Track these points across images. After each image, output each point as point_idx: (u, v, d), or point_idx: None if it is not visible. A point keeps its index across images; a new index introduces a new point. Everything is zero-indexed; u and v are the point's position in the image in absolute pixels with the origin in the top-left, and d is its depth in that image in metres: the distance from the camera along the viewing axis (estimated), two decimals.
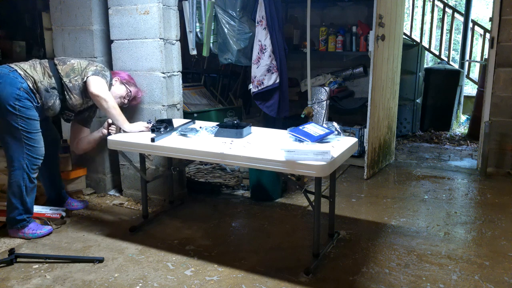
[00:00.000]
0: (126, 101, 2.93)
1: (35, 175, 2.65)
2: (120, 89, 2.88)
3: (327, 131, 2.43)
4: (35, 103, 2.59)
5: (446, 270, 2.30)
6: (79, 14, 3.17)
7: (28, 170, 2.60)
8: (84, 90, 2.70)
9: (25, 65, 2.62)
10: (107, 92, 2.68)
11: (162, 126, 2.62)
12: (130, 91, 2.93)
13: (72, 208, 3.09)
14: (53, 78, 2.64)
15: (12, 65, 2.60)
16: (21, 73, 2.56)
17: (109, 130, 2.85)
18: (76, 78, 2.68)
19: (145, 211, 2.90)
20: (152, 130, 2.62)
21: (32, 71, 2.60)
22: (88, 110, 2.90)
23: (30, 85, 2.56)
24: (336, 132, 2.47)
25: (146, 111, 3.10)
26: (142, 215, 2.92)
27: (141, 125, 2.75)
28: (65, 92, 2.69)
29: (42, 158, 2.67)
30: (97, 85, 2.65)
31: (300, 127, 2.45)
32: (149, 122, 2.74)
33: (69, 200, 3.12)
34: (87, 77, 2.66)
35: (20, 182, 2.60)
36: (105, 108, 2.66)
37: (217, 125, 2.66)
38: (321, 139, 2.35)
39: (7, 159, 2.63)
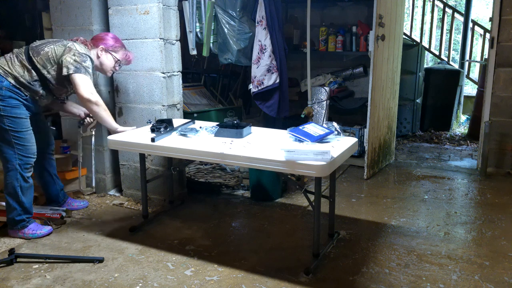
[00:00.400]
0: (118, 68, 2.82)
1: (29, 174, 2.64)
2: (108, 60, 2.74)
3: (327, 131, 2.43)
4: (23, 97, 2.54)
5: (446, 270, 2.30)
6: (79, 14, 3.17)
7: (21, 170, 2.58)
8: (65, 78, 2.58)
9: (2, 61, 2.55)
10: (95, 95, 2.58)
11: (162, 126, 2.62)
12: (118, 59, 2.78)
13: (72, 208, 3.09)
14: (32, 71, 2.56)
15: None
16: (0, 71, 2.51)
17: (86, 119, 2.87)
18: (54, 68, 2.58)
19: (145, 211, 2.90)
20: (152, 130, 2.62)
21: (11, 67, 2.53)
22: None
23: (13, 82, 2.50)
24: (336, 132, 2.47)
25: (146, 111, 3.10)
26: (142, 215, 2.92)
27: (129, 129, 2.75)
28: (47, 83, 2.61)
29: (35, 156, 2.65)
30: (85, 88, 2.54)
31: (300, 127, 2.45)
32: (149, 122, 2.74)
33: (69, 200, 3.12)
34: (70, 74, 2.53)
35: (14, 183, 2.59)
36: (95, 112, 2.60)
37: (217, 125, 2.66)
38: (321, 139, 2.35)
39: (1, 161, 2.62)
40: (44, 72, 2.57)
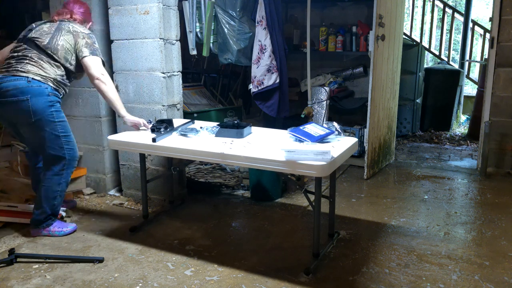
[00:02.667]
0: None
1: (70, 179, 2.68)
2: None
3: (327, 131, 2.43)
4: (59, 96, 2.58)
5: (446, 270, 2.30)
6: None
7: (66, 176, 2.63)
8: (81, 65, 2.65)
9: (34, 69, 2.51)
10: (106, 74, 2.63)
11: (162, 126, 2.62)
12: (92, 22, 2.87)
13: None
14: (61, 67, 2.60)
15: (23, 74, 2.47)
16: (38, 78, 2.49)
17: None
18: (73, 57, 2.62)
19: (145, 211, 2.90)
20: (152, 130, 2.62)
21: (45, 71, 2.53)
22: None
23: (52, 85, 2.53)
24: (336, 132, 2.47)
25: (146, 111, 3.10)
26: (143, 215, 2.92)
27: (140, 120, 2.74)
28: (70, 74, 2.67)
29: (77, 159, 2.70)
30: (96, 68, 2.59)
31: (301, 127, 2.45)
32: (149, 122, 2.74)
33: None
34: (85, 57, 2.59)
35: (55, 188, 2.60)
36: (104, 91, 2.62)
37: (217, 125, 2.66)
38: (321, 139, 2.35)
39: (46, 164, 2.61)
40: (67, 65, 2.62)
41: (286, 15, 5.13)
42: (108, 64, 3.24)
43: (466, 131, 5.62)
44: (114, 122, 3.30)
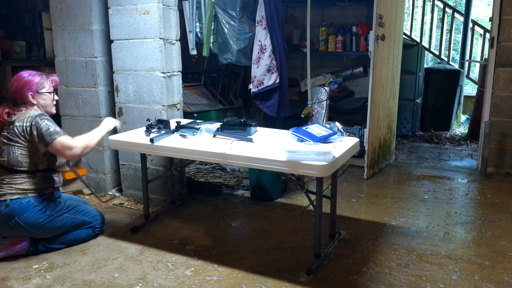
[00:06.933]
0: (56, 97, 2.58)
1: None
2: (44, 99, 2.47)
3: (330, 131, 2.42)
4: (51, 183, 2.50)
5: (446, 270, 2.30)
6: (79, 14, 3.17)
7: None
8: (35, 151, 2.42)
9: (8, 189, 2.37)
10: (73, 141, 2.39)
11: (156, 126, 2.63)
12: (51, 91, 2.51)
13: None
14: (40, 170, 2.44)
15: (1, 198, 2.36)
16: (16, 196, 2.37)
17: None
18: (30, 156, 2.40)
19: (146, 211, 2.90)
20: (147, 129, 2.63)
21: (20, 186, 2.39)
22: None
23: (36, 193, 2.42)
24: (339, 133, 2.47)
25: (146, 111, 3.10)
26: (144, 215, 2.92)
27: (112, 121, 2.65)
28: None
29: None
30: (65, 142, 2.36)
31: (303, 128, 2.44)
32: (149, 121, 2.74)
33: None
34: (52, 142, 2.34)
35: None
36: (90, 149, 2.46)
37: (224, 122, 2.67)
38: (324, 140, 2.35)
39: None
40: (32, 161, 2.43)
41: (286, 15, 5.13)
42: (108, 64, 3.25)
43: (466, 131, 5.62)
44: None
